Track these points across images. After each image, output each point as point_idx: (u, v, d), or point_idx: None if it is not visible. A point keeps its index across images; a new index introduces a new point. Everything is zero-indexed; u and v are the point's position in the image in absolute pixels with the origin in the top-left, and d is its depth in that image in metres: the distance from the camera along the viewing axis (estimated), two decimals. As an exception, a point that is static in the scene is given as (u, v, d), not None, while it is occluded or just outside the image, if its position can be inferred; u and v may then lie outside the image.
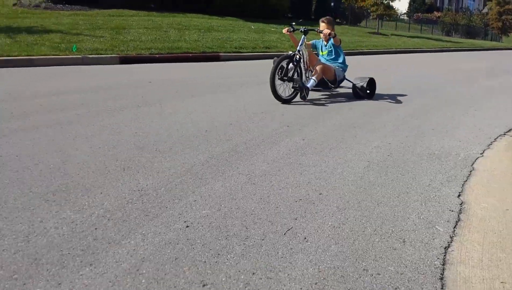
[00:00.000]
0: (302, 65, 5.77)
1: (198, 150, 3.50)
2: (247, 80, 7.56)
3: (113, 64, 8.89)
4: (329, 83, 6.03)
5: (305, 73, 5.86)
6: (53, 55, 8.57)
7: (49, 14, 13.88)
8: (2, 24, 11.24)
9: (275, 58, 5.58)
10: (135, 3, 14.48)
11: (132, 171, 2.98)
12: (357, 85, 6.10)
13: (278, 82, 5.40)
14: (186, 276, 1.83)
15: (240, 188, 2.77)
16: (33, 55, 8.34)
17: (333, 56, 6.15)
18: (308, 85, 5.67)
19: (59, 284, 1.74)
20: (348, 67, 6.32)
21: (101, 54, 9.15)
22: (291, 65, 5.55)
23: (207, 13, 17.84)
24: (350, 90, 6.34)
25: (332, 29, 5.93)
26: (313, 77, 5.76)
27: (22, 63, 7.99)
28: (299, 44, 5.73)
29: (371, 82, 6.24)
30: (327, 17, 6.22)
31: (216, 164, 3.20)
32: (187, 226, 2.25)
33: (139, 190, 2.67)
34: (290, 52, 5.59)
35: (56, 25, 11.69)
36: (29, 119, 4.19)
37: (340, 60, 6.17)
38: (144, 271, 1.85)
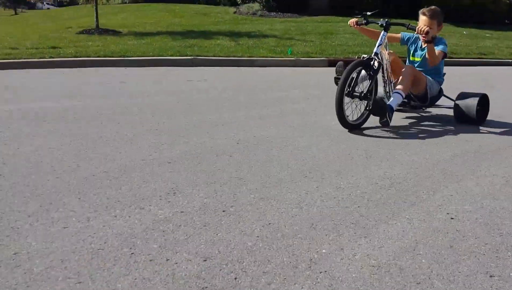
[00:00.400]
0: (381, 74, 4.03)
1: (440, 147, 3.38)
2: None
3: (322, 66, 9.22)
4: (416, 99, 4.24)
5: (386, 87, 4.12)
6: (270, 57, 9.32)
7: (264, 20, 15.18)
8: (226, 30, 12.72)
9: (339, 63, 3.94)
10: (341, 11, 14.82)
11: (375, 160, 3.02)
12: (462, 104, 4.15)
13: (346, 99, 3.74)
14: (468, 265, 1.75)
15: (498, 189, 2.56)
16: (254, 56, 9.21)
17: (428, 66, 4.14)
18: (393, 104, 3.86)
19: (341, 249, 1.84)
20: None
21: (311, 57, 9.60)
22: (363, 73, 3.83)
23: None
24: (444, 112, 4.64)
25: (437, 27, 4.04)
26: (399, 90, 3.92)
27: (245, 63, 8.89)
28: (377, 44, 3.92)
29: (484, 101, 4.25)
30: (432, 7, 4.08)
31: (462, 163, 3.03)
32: (452, 218, 2.16)
33: (388, 178, 2.68)
34: (365, 56, 3.83)
35: (270, 31, 12.70)
36: (255, 109, 4.62)
37: (438, 73, 4.26)
38: (421, 252, 1.83)
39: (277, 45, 10.41)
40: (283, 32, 12.59)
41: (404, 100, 4.10)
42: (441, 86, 4.31)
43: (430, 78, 4.17)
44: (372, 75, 3.83)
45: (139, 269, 1.66)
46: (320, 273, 1.66)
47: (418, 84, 4.08)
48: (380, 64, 3.87)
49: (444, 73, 4.35)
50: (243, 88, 6.14)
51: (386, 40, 4.01)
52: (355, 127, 3.86)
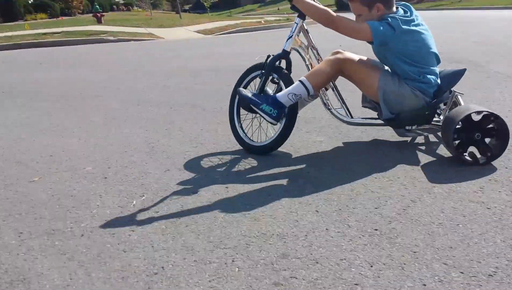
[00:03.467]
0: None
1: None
2: None
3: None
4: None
5: (323, 97, 3.17)
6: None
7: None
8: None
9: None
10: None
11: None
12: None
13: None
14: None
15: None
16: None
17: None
18: (280, 95, 2.93)
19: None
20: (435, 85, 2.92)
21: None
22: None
23: None
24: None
25: (367, 9, 2.87)
26: (302, 78, 2.95)
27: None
28: (287, 37, 3.07)
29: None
30: None
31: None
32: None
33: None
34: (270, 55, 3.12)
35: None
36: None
37: (414, 76, 2.87)
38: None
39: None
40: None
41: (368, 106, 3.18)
42: (432, 92, 2.90)
43: (392, 77, 2.91)
44: (277, 82, 3.11)
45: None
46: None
47: (357, 80, 3.01)
48: (289, 64, 3.09)
49: (440, 79, 2.96)
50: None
51: (299, 29, 3.05)
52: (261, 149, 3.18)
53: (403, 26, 2.73)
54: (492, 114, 2.60)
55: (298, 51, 3.14)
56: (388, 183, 2.59)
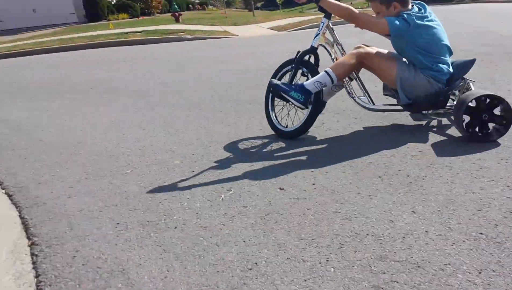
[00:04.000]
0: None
1: None
2: None
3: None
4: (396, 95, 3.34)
5: (347, 87, 3.46)
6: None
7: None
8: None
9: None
10: None
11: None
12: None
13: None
14: None
15: None
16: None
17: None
18: (307, 83, 3.25)
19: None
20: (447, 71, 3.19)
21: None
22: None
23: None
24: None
25: (386, 8, 3.20)
26: (327, 69, 3.25)
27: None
28: (315, 35, 3.38)
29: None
30: None
31: None
32: None
33: None
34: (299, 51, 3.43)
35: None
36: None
37: (427, 64, 3.16)
38: None
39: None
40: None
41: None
42: (446, 80, 3.17)
43: (408, 67, 3.21)
44: (306, 75, 3.40)
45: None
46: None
47: (378, 71, 3.33)
48: (317, 58, 3.42)
49: (452, 69, 3.22)
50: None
51: (326, 27, 3.40)
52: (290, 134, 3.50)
53: (417, 21, 3.07)
54: (496, 97, 2.90)
55: (324, 46, 3.47)
56: (490, 184, 2.40)
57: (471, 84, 3.30)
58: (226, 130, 3.94)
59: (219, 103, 5.03)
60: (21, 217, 2.72)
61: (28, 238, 2.45)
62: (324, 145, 3.29)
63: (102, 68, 9.06)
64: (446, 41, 3.21)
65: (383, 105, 3.45)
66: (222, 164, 3.14)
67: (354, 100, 3.43)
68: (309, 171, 2.82)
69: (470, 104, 2.90)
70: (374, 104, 3.44)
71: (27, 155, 3.84)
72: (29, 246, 2.37)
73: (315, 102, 3.35)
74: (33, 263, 2.16)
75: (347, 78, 3.42)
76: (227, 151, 3.39)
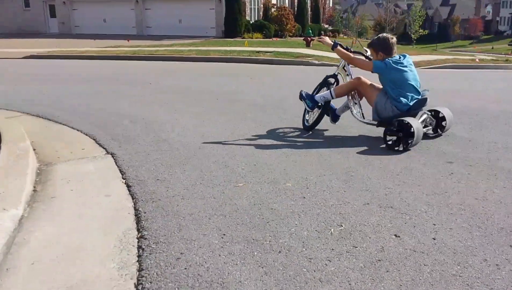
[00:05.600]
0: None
1: None
2: None
3: None
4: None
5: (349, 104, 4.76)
6: None
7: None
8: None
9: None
10: None
11: None
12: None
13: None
14: None
15: None
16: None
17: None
18: (318, 96, 4.86)
19: None
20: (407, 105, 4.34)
21: None
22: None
23: None
24: None
25: (375, 54, 4.57)
26: (331, 89, 4.76)
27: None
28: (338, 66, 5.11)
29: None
30: (374, 38, 4.87)
31: None
32: None
33: None
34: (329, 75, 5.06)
35: None
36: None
37: (395, 98, 4.39)
38: None
39: None
40: None
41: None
42: (406, 110, 4.33)
43: (383, 97, 4.47)
44: (327, 88, 4.94)
45: None
46: None
47: (365, 96, 4.70)
48: (337, 82, 4.94)
49: (411, 103, 4.33)
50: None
51: (344, 63, 4.90)
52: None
53: (393, 65, 4.37)
54: (406, 121, 4.06)
55: (340, 74, 5.00)
56: None
57: (425, 113, 4.49)
58: (342, 161, 3.80)
59: (337, 130, 4.90)
60: (135, 209, 2.87)
61: (138, 230, 2.56)
62: (449, 199, 2.98)
63: (230, 81, 9.48)
64: (413, 82, 4.40)
65: (367, 120, 4.66)
66: (335, 196, 3.01)
67: (353, 114, 4.72)
68: (430, 223, 2.57)
69: (394, 129, 4.16)
70: (364, 118, 4.68)
71: (150, 152, 4.10)
72: (137, 238, 2.47)
73: (323, 109, 4.85)
74: (139, 256, 2.25)
75: (351, 101, 4.73)
76: (341, 184, 3.25)
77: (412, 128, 3.98)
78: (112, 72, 10.92)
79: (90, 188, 3.25)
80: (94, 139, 4.54)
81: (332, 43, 4.74)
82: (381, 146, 4.22)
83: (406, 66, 4.37)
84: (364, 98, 4.74)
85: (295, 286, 1.86)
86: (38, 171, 3.61)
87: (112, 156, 3.98)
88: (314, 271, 1.98)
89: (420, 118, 4.35)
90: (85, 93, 7.61)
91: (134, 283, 1.97)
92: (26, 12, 29.38)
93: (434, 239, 2.37)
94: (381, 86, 4.56)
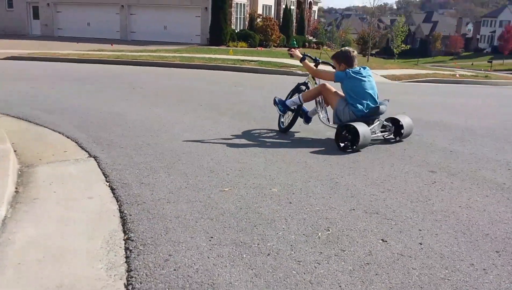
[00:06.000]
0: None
1: None
2: None
3: None
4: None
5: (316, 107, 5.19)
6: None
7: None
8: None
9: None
10: None
11: None
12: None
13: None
14: None
15: None
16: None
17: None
18: (288, 100, 5.33)
19: None
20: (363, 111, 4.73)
21: None
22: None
23: None
24: None
25: (338, 65, 5.00)
26: (299, 95, 5.19)
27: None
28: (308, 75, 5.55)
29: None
30: (338, 51, 5.47)
31: None
32: None
33: None
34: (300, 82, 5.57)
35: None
36: None
37: (352, 103, 4.79)
38: None
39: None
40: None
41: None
42: (361, 116, 4.72)
43: (343, 103, 4.86)
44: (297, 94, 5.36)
45: None
46: None
47: (329, 101, 5.05)
48: (307, 88, 5.38)
49: (367, 110, 4.70)
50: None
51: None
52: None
53: (352, 74, 4.78)
54: (352, 126, 4.46)
55: (310, 82, 5.38)
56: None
57: (379, 120, 4.89)
58: (326, 169, 3.83)
59: (323, 140, 4.94)
60: (120, 211, 2.84)
61: (125, 232, 2.53)
62: (434, 206, 3.03)
63: (214, 88, 9.47)
64: (370, 91, 4.80)
65: (332, 124, 5.01)
66: (321, 201, 3.03)
67: (320, 118, 5.11)
68: (416, 228, 2.60)
69: (344, 132, 4.58)
70: (329, 122, 5.07)
71: (134, 155, 4.05)
72: (124, 240, 2.44)
73: (296, 112, 5.24)
74: (127, 257, 2.22)
75: (319, 106, 5.13)
76: (326, 190, 3.27)
77: (358, 132, 4.40)
78: (94, 75, 10.79)
79: (73, 190, 3.20)
80: (76, 142, 4.47)
81: (301, 56, 5.24)
82: (349, 150, 4.27)
83: (364, 77, 4.80)
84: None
85: (286, 288, 1.86)
86: (19, 172, 3.53)
87: (95, 159, 3.92)
88: (304, 273, 1.98)
89: (373, 124, 4.81)
90: (66, 94, 7.50)
91: (124, 283, 1.94)
92: (9, 13, 28.91)
93: (420, 244, 2.40)
94: (338, 93, 5.01)
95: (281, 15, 31.32)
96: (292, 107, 5.21)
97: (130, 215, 2.74)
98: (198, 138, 4.79)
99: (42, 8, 28.32)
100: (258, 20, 28.29)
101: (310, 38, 36.60)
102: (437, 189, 3.34)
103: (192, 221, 2.63)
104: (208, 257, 2.13)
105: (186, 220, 2.65)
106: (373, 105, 4.73)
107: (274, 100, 5.33)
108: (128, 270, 2.06)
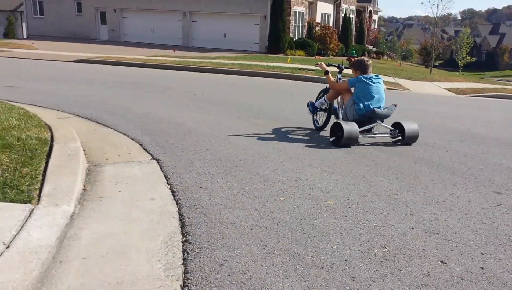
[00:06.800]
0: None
1: None
2: None
3: None
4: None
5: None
6: None
7: None
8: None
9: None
10: None
11: None
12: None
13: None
14: None
15: None
16: None
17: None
18: (316, 102, 6.19)
19: None
20: (366, 109, 5.32)
21: None
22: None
23: None
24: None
25: (354, 72, 5.66)
26: (325, 96, 6.07)
27: None
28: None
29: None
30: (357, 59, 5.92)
31: None
32: None
33: None
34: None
35: None
36: None
37: (357, 103, 5.42)
38: None
39: None
40: None
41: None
42: (361, 115, 5.35)
43: (351, 101, 5.49)
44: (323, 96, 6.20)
45: None
46: None
47: (344, 100, 5.70)
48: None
49: (366, 111, 5.30)
50: None
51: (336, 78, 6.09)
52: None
53: (363, 79, 5.40)
54: (339, 123, 5.20)
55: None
56: None
57: (378, 122, 5.43)
58: (385, 184, 3.76)
59: (384, 155, 4.84)
60: (180, 214, 2.94)
61: (183, 234, 2.62)
62: (498, 230, 2.89)
63: (272, 97, 9.55)
64: (375, 95, 5.38)
65: (341, 119, 5.69)
66: (378, 217, 2.97)
67: (338, 118, 5.82)
68: (478, 252, 2.50)
69: (335, 128, 5.27)
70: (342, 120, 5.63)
71: (193, 160, 4.18)
72: (182, 242, 2.53)
73: (328, 112, 6.01)
74: (184, 259, 2.30)
75: (338, 108, 5.95)
76: (384, 206, 3.21)
77: (343, 129, 5.08)
78: (158, 80, 11.21)
79: (137, 191, 3.35)
80: (140, 144, 4.67)
81: (325, 70, 6.01)
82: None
83: (373, 82, 5.44)
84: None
85: (339, 303, 1.85)
86: (87, 171, 3.75)
87: (157, 162, 4.08)
88: (358, 290, 1.97)
89: (370, 124, 5.41)
90: (131, 98, 7.85)
91: (180, 285, 2.01)
92: (78, 18, 30.62)
93: (482, 268, 2.30)
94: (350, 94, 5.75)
95: (340, 24, 31.04)
96: (322, 107, 6.08)
97: (189, 218, 2.83)
98: (254, 146, 4.86)
99: (109, 14, 29.75)
100: (317, 28, 28.19)
101: (370, 47, 36.01)
102: (503, 212, 3.19)
103: (247, 228, 2.67)
104: (262, 265, 2.16)
105: (241, 227, 2.70)
106: (372, 107, 5.30)
107: (307, 104, 6.25)
108: (185, 272, 2.13)
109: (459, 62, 30.44)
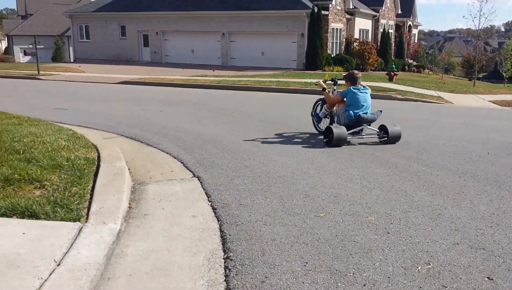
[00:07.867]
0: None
1: None
2: None
3: None
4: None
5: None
6: None
7: None
8: None
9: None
10: None
11: None
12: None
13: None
14: None
15: None
16: None
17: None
18: (320, 112, 7.03)
19: None
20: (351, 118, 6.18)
21: None
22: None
23: None
24: None
25: (347, 84, 6.52)
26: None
27: None
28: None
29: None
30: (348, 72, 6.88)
31: None
32: None
33: None
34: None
35: None
36: None
37: (347, 110, 6.28)
38: None
39: None
40: None
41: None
42: (351, 120, 6.21)
43: (343, 109, 6.37)
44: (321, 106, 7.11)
45: None
46: None
47: (337, 108, 6.61)
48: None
49: (355, 117, 6.17)
50: None
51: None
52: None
53: (352, 90, 6.30)
54: (329, 127, 6.19)
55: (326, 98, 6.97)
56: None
57: (366, 126, 6.35)
58: (428, 199, 3.68)
59: (426, 169, 4.74)
60: (221, 231, 2.99)
61: (224, 251, 2.66)
62: (550, 244, 2.77)
63: (309, 112, 9.52)
64: (364, 103, 6.26)
65: (335, 124, 6.51)
66: (421, 233, 2.91)
67: (332, 125, 6.38)
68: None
69: (327, 131, 6.15)
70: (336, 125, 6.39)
71: (233, 177, 4.24)
72: (224, 259, 2.57)
73: (331, 120, 6.80)
74: (226, 276, 2.33)
75: (333, 112, 6.78)
76: (427, 222, 3.14)
77: (333, 132, 5.94)
78: (198, 99, 11.47)
79: (179, 208, 3.44)
80: (181, 162, 4.79)
81: (323, 87, 6.89)
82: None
83: (361, 92, 6.31)
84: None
85: (382, 320, 1.83)
86: (132, 189, 3.88)
87: (198, 179, 4.17)
88: (401, 307, 1.94)
89: (359, 127, 6.26)
90: (172, 118, 8.06)
91: (223, 301, 2.05)
92: (122, 41, 31.82)
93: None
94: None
95: (379, 39, 30.76)
96: (324, 116, 6.98)
97: (230, 235, 2.88)
98: (292, 162, 4.88)
99: (151, 37, 30.76)
100: (355, 44, 28.06)
101: (410, 61, 35.40)
102: (554, 227, 3.05)
103: (288, 245, 2.69)
104: (303, 283, 2.16)
105: (281, 243, 2.71)
106: (359, 113, 6.21)
107: (311, 113, 7.20)
108: (227, 289, 2.16)
109: (504, 74, 29.36)
